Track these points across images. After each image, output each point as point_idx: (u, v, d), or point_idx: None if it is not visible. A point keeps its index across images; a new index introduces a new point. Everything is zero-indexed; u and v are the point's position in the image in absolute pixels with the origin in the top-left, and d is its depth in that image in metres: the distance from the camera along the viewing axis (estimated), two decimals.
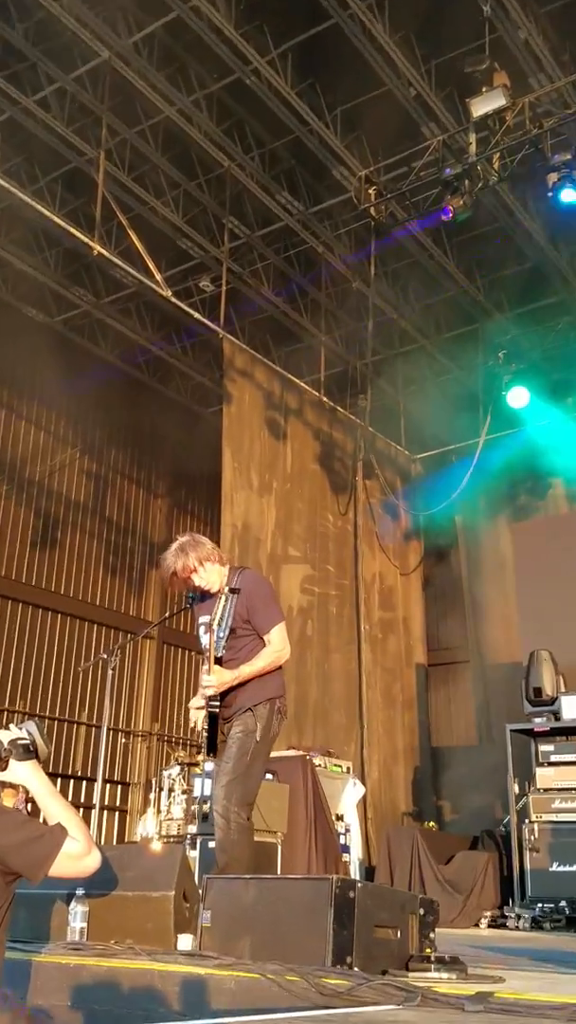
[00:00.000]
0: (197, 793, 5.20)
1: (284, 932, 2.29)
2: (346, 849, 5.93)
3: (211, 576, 3.05)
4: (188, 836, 5.16)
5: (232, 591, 2.90)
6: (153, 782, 6.61)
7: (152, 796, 6.37)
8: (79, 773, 8.69)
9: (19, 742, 1.69)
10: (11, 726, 1.73)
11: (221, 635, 2.87)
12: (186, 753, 6.43)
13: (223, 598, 2.88)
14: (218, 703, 2.87)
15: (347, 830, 6.05)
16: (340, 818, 6.02)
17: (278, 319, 8.80)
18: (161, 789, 6.12)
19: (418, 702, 9.08)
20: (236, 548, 7.17)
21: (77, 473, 9.61)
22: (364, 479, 9.02)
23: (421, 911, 2.48)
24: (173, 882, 2.61)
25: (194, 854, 4.60)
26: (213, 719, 2.86)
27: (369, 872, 6.38)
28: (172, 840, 5.56)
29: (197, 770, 5.68)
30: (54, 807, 1.68)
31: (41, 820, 1.76)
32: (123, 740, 9.15)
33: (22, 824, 1.64)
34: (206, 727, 2.87)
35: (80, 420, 9.62)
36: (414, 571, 9.62)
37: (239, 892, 2.41)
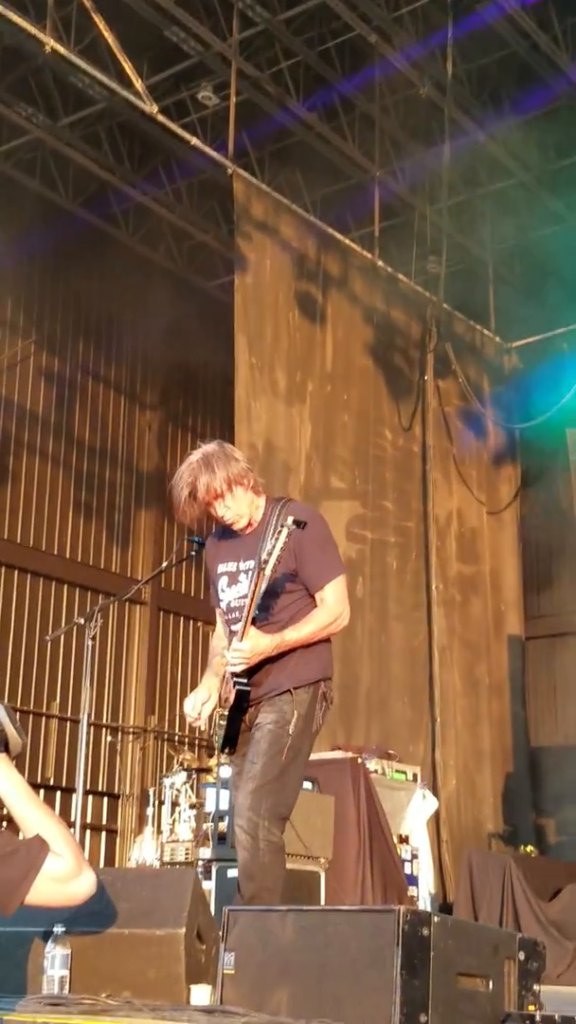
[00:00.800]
0: (210, 807, 5.37)
1: (334, 982, 2.36)
2: (413, 881, 6.14)
3: (240, 505, 2.99)
4: (200, 863, 5.37)
5: (297, 523, 2.80)
6: (151, 793, 6.87)
7: (150, 812, 6.63)
8: (52, 782, 9.05)
9: None
10: None
11: (264, 585, 2.81)
12: (193, 755, 6.65)
13: (283, 531, 2.78)
14: (246, 680, 2.87)
15: (414, 856, 6.24)
16: (405, 840, 6.21)
17: (311, 145, 8.63)
18: (161, 803, 6.35)
19: (511, 687, 9.21)
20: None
21: (32, 374, 9.65)
22: (437, 379, 8.93)
23: (521, 955, 2.53)
24: (184, 916, 2.71)
25: (209, 885, 4.79)
26: (241, 698, 2.87)
27: (445, 910, 6.61)
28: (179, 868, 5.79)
29: (209, 777, 5.87)
30: (32, 814, 1.73)
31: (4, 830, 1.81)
32: (109, 738, 9.47)
33: None
34: (224, 713, 2.91)
35: (33, 298, 9.60)
36: (507, 508, 9.62)
37: (273, 929, 2.49)
